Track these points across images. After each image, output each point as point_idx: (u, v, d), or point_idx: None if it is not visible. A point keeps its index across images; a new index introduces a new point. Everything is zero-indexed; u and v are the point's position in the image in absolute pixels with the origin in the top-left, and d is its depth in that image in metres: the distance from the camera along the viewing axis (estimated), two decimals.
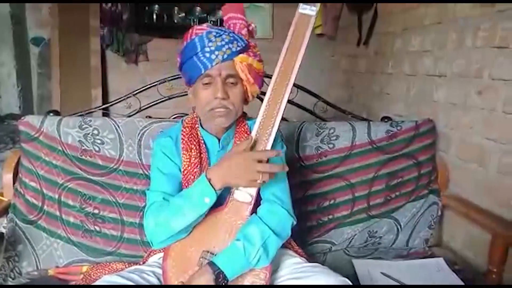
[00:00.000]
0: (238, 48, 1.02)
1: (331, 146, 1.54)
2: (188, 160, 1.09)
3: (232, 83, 1.04)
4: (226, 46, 1.01)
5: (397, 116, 1.96)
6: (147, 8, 3.32)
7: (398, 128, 1.59)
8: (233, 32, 1.04)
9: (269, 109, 1.03)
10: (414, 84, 1.87)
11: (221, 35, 1.02)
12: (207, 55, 1.00)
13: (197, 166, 1.08)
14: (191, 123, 1.14)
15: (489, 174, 1.40)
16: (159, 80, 1.63)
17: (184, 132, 1.12)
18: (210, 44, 1.01)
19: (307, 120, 1.58)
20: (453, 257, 1.48)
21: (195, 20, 3.36)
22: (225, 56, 1.00)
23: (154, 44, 3.43)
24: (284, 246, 1.12)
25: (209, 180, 0.96)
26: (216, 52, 1.00)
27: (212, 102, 1.03)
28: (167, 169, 1.09)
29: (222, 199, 1.06)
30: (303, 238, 1.47)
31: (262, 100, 1.05)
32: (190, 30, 1.06)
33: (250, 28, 1.08)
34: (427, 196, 1.60)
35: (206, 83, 1.03)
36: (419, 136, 1.60)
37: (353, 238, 1.55)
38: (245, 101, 1.11)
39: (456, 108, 1.56)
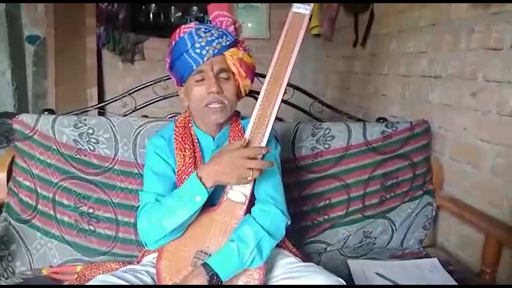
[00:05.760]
0: (228, 43, 1.03)
1: (326, 146, 1.54)
2: (182, 160, 1.08)
3: (224, 78, 1.04)
4: (216, 41, 1.01)
5: (392, 117, 1.96)
6: (143, 7, 3.31)
7: (393, 129, 1.59)
8: (221, 28, 1.05)
9: (263, 109, 1.03)
10: (409, 85, 1.88)
11: (210, 30, 1.03)
12: (198, 51, 1.00)
13: (191, 166, 1.07)
14: (184, 123, 1.14)
15: (483, 175, 1.41)
16: (155, 80, 1.63)
17: (177, 132, 1.12)
18: (200, 40, 1.01)
19: (303, 121, 1.58)
20: (447, 258, 1.49)
21: (192, 19, 3.37)
22: (216, 51, 1.01)
23: (150, 44, 3.43)
24: (279, 245, 1.12)
25: (200, 179, 0.96)
26: (207, 47, 1.00)
27: (207, 98, 1.03)
28: (160, 170, 1.09)
29: (216, 199, 1.06)
30: (298, 238, 1.47)
31: (256, 99, 1.05)
32: (178, 30, 1.06)
33: (236, 25, 1.08)
34: (422, 197, 1.60)
35: (199, 80, 1.03)
36: (414, 137, 1.61)
37: (348, 238, 1.55)
38: (238, 96, 1.11)
39: (451, 109, 1.57)
